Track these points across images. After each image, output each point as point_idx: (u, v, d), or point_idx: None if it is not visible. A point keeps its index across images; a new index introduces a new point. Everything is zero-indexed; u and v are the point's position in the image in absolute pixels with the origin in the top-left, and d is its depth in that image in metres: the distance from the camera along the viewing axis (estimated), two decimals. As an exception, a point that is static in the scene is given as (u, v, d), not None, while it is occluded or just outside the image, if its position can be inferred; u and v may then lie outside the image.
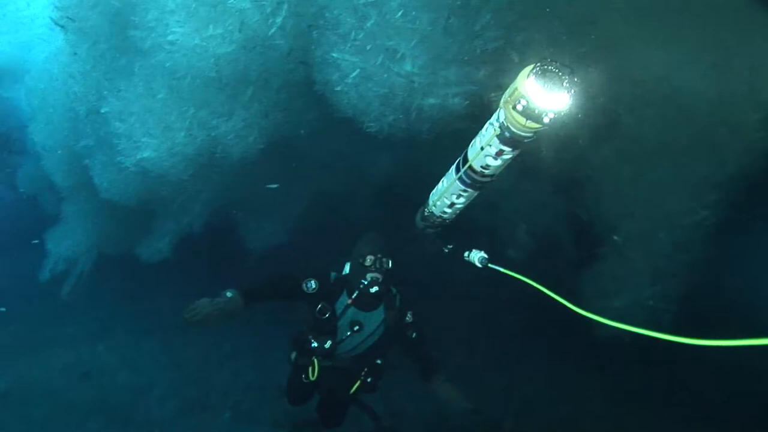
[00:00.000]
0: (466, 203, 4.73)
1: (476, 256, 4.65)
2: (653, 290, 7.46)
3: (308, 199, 11.38)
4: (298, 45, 6.89)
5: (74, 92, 9.43)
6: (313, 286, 5.79)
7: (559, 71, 3.41)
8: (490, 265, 4.51)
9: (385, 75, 6.24)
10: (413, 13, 6.00)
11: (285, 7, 6.58)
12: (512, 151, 3.92)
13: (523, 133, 3.70)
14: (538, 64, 3.40)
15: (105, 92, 8.28)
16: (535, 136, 3.75)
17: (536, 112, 3.46)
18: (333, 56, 6.37)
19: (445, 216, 4.94)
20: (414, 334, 6.08)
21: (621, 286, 7.62)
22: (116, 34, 8.11)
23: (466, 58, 6.30)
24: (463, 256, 4.78)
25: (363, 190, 10.42)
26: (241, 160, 8.02)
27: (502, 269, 4.27)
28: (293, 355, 6.13)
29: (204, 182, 9.25)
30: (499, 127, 3.79)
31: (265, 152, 8.13)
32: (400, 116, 6.49)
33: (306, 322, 6.00)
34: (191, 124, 7.61)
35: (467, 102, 6.43)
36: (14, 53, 13.12)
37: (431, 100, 6.35)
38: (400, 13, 5.99)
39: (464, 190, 4.48)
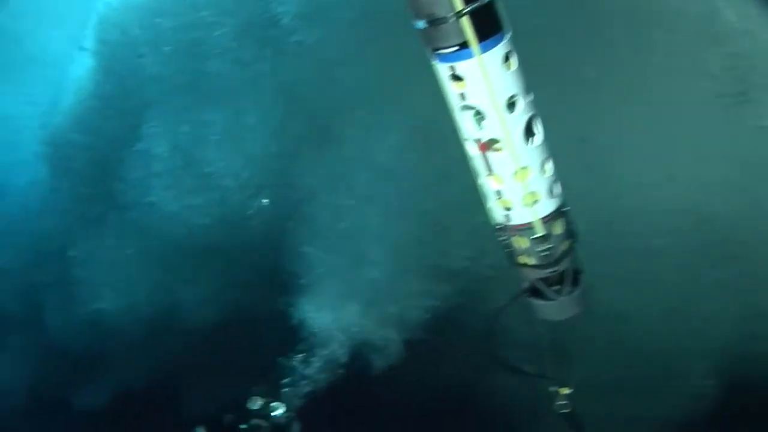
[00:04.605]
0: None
1: None
2: None
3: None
4: (273, 230, 7.01)
5: (45, 227, 9.46)
6: None
7: None
8: None
9: (351, 277, 6.34)
10: (388, 222, 6.18)
11: (268, 192, 6.76)
12: None
13: None
14: None
15: (75, 235, 8.31)
16: None
17: None
18: (304, 249, 6.48)
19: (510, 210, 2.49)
20: None
21: None
22: (99, 181, 8.24)
23: (431, 273, 6.42)
24: None
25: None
26: (196, 330, 7.94)
27: None
28: None
29: (155, 343, 9.09)
30: None
31: (222, 326, 8.07)
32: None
33: None
34: (155, 286, 7.60)
35: (428, 315, 6.50)
36: (-7, 173, 13.12)
37: (392, 308, 6.41)
38: (375, 221, 6.17)
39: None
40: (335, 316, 6.48)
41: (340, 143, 6.40)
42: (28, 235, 10.31)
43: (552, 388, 3.69)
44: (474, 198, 6.11)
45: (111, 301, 7.74)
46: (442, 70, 2.20)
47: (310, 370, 6.42)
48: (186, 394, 10.81)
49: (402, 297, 6.42)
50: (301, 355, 6.57)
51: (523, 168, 2.31)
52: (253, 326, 8.38)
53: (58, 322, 9.19)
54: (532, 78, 2.23)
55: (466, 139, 2.36)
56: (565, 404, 3.72)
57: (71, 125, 9.18)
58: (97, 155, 8.50)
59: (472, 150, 2.37)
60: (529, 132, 2.27)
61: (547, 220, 2.47)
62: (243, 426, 5.80)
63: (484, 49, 2.05)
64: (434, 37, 2.09)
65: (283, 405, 6.14)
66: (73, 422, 11.55)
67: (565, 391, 3.70)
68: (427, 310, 6.51)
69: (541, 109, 2.28)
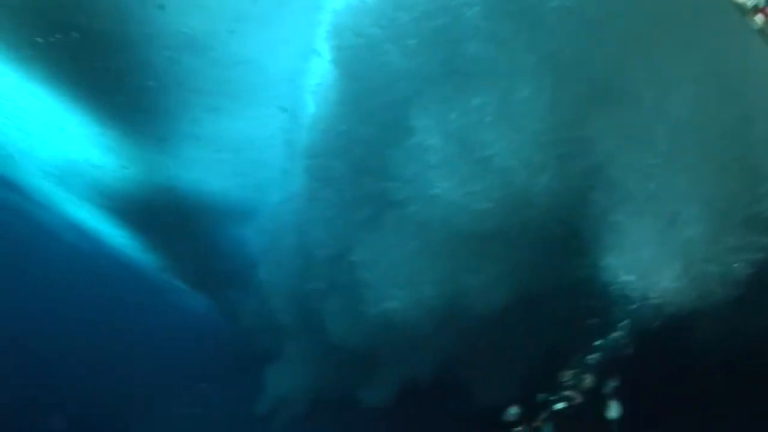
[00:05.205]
0: None
1: None
2: None
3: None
4: (561, 204, 6.78)
5: (314, 237, 9.74)
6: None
7: None
8: None
9: (666, 239, 5.99)
10: (696, 177, 5.78)
11: (553, 165, 6.54)
12: None
13: None
14: None
15: (350, 240, 8.49)
16: None
17: None
18: (612, 218, 6.19)
19: None
20: None
21: None
22: (362, 184, 8.35)
23: (748, 224, 5.94)
24: None
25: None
26: (483, 316, 7.87)
27: None
28: None
29: (442, 335, 9.13)
30: None
31: (508, 309, 7.95)
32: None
33: None
34: (440, 278, 7.61)
35: (752, 270, 6.01)
36: (245, 194, 13.70)
37: (713, 267, 5.99)
38: (683, 177, 5.79)
39: None
40: (651, 281, 6.15)
41: (627, 102, 6.05)
42: (290, 248, 10.71)
43: None
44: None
45: (399, 299, 7.83)
46: None
47: (624, 338, 6.16)
48: (479, 379, 10.84)
49: (721, 253, 5.98)
50: (614, 325, 6.31)
51: None
52: (548, 303, 8.21)
53: (339, 327, 9.44)
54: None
55: (748, 13, 2.08)
56: None
57: (320, 135, 9.39)
58: (354, 159, 8.62)
59: (759, 21, 2.07)
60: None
61: None
62: (554, 398, 5.68)
63: None
64: None
65: (594, 376, 5.96)
66: (360, 419, 11.95)
67: None
68: (749, 264, 6.03)
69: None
